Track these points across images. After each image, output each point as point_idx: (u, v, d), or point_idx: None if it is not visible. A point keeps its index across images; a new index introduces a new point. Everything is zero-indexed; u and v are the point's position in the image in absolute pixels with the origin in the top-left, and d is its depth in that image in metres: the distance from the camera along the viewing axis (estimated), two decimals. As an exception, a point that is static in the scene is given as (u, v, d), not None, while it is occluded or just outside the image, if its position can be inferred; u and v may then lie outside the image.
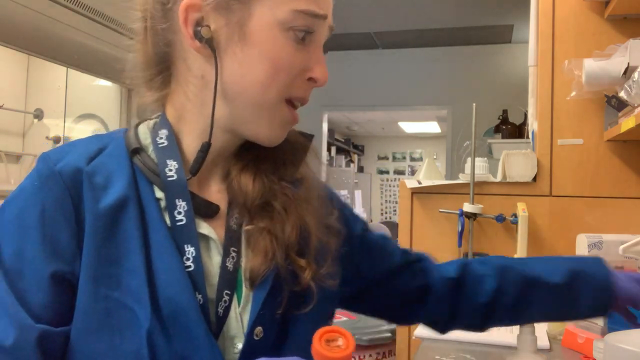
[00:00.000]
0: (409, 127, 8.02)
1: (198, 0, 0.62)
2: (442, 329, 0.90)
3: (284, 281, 0.64)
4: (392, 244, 0.88)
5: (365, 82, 5.32)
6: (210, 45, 0.63)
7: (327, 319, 0.74)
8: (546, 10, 1.85)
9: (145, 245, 0.61)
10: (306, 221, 0.68)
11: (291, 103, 0.67)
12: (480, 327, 0.89)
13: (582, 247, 1.49)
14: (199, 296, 0.61)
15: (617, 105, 1.60)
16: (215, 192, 0.69)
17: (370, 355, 2.17)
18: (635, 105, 1.41)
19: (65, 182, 0.62)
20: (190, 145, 0.68)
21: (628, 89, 1.42)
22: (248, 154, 0.70)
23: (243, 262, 0.65)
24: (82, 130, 3.35)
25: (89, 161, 0.64)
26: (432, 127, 7.77)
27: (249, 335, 0.62)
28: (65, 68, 2.98)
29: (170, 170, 0.64)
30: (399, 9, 4.31)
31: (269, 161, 0.70)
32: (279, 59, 0.63)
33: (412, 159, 9.03)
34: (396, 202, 8.73)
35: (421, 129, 8.12)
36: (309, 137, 0.75)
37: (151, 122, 0.70)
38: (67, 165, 0.63)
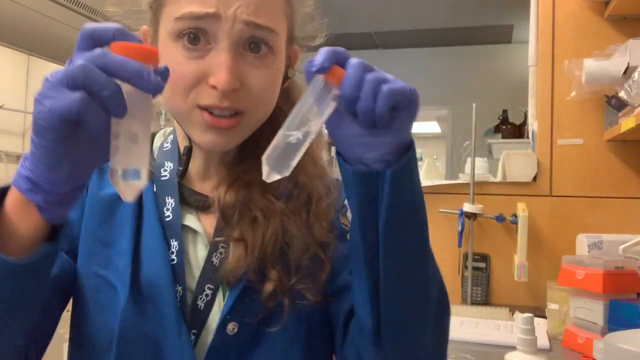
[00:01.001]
0: (409, 127, 8.01)
1: (146, 27, 0.69)
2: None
3: (256, 292, 0.64)
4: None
5: (365, 82, 5.30)
6: None
7: (307, 338, 0.68)
8: (546, 10, 1.85)
9: (137, 233, 0.66)
10: (291, 234, 0.67)
11: (207, 109, 0.63)
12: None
13: (582, 247, 1.49)
14: (179, 287, 0.64)
15: (617, 105, 1.60)
16: (213, 189, 0.71)
17: (370, 355, 2.16)
18: (635, 105, 1.41)
19: None
20: (181, 148, 0.72)
21: (628, 89, 1.42)
22: (239, 164, 0.71)
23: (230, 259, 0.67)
24: (82, 130, 3.35)
25: None
26: (432, 127, 7.77)
27: (220, 327, 0.63)
28: (65, 68, 2.98)
29: (165, 170, 0.70)
30: (399, 9, 4.31)
31: (258, 172, 0.68)
32: (173, 70, 0.58)
33: (412, 159, 9.02)
34: (396, 202, 8.69)
35: (421, 129, 8.12)
36: None
37: (169, 129, 0.76)
38: None
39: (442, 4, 4.19)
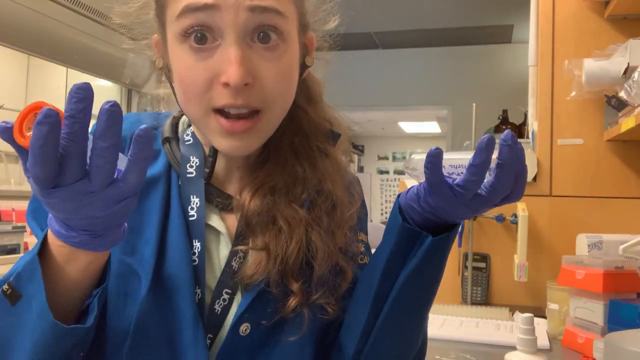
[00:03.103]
0: (409, 127, 8.01)
1: (156, 36, 0.68)
2: None
3: (273, 298, 0.64)
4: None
5: (365, 82, 5.31)
6: (166, 75, 0.68)
7: (318, 344, 0.69)
8: (546, 10, 1.85)
9: (164, 223, 0.65)
10: (315, 246, 0.65)
11: (223, 112, 0.62)
12: None
13: (582, 247, 1.49)
14: (198, 290, 0.63)
15: (617, 105, 1.60)
16: (236, 191, 0.70)
17: (370, 355, 2.16)
18: (635, 105, 1.41)
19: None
20: (206, 149, 0.71)
21: (628, 89, 1.42)
22: (262, 169, 0.70)
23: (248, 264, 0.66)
24: (82, 130, 3.35)
25: None
26: (432, 127, 7.77)
27: (233, 328, 0.62)
28: (65, 68, 2.98)
29: (192, 166, 0.68)
30: (399, 9, 4.31)
31: (281, 177, 0.68)
32: (183, 75, 0.61)
33: (412, 159, 9.02)
34: (396, 202, 8.70)
35: (421, 129, 8.11)
36: (335, 138, 0.73)
37: (186, 118, 0.74)
38: (125, 131, 0.63)
39: (442, 4, 4.19)
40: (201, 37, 0.59)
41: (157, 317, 0.61)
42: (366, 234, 0.78)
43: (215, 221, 0.67)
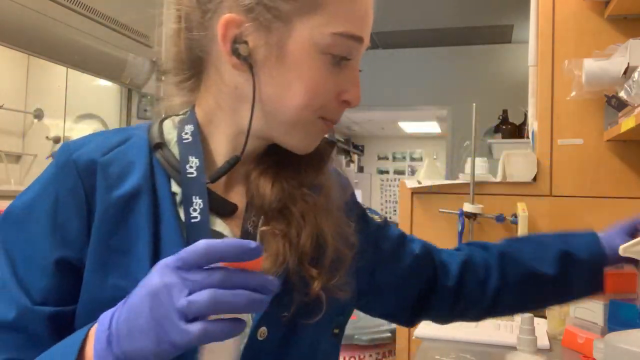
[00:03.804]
0: (409, 127, 8.01)
1: (239, 16, 0.62)
2: (442, 323, 0.94)
3: (293, 287, 0.64)
4: (405, 246, 0.86)
5: (365, 82, 5.25)
6: (247, 62, 0.63)
7: (336, 328, 0.74)
8: (546, 10, 1.85)
9: (155, 237, 0.62)
10: (323, 230, 0.67)
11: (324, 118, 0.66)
12: (478, 320, 0.93)
13: (582, 247, 1.49)
14: None
15: (617, 105, 1.60)
16: (235, 193, 0.70)
17: (370, 355, 2.17)
18: (635, 105, 1.41)
19: (79, 171, 0.63)
20: (219, 148, 0.69)
21: (628, 89, 1.42)
22: (269, 157, 0.70)
23: None
24: (82, 130, 3.34)
25: (106, 152, 0.65)
26: (432, 127, 7.77)
27: (252, 334, 0.62)
28: (65, 68, 2.98)
29: (191, 167, 0.65)
30: (399, 9, 4.31)
31: (290, 165, 0.69)
32: (315, 83, 0.63)
33: (412, 159, 9.02)
34: (396, 202, 8.73)
35: (421, 129, 8.11)
36: (330, 144, 0.74)
37: (177, 118, 0.71)
38: (83, 155, 0.64)
39: (442, 4, 4.19)
40: (341, 59, 0.64)
41: None
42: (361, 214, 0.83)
43: (218, 225, 0.66)
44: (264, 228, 0.65)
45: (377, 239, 0.83)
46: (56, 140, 3.22)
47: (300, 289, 0.64)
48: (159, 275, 0.49)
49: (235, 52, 0.62)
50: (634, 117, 1.38)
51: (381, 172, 9.13)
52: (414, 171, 8.67)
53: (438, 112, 5.84)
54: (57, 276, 0.61)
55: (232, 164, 0.66)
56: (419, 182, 1.92)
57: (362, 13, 0.64)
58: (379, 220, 0.85)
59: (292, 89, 0.63)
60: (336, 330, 0.74)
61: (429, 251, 0.88)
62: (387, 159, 9.16)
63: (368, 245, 0.79)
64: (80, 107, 3.30)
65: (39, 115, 3.20)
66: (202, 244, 0.48)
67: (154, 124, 0.71)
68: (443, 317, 0.92)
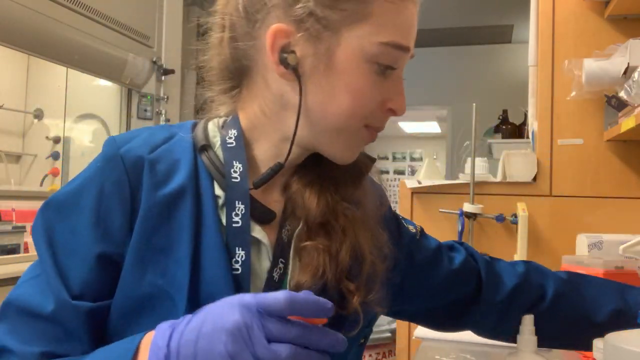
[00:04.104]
0: (409, 127, 8.02)
1: (288, 27, 0.62)
2: (489, 337, 0.95)
3: (331, 301, 0.64)
4: (441, 259, 0.84)
5: (365, 82, 5.30)
6: (295, 72, 0.63)
7: (363, 338, 0.74)
8: (546, 10, 1.85)
9: (196, 238, 0.62)
10: (361, 244, 0.67)
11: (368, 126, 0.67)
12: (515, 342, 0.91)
13: (582, 247, 1.49)
14: None
15: (617, 105, 1.60)
16: (272, 200, 0.69)
17: (370, 356, 2.17)
18: (635, 105, 1.41)
19: (125, 166, 0.63)
20: (262, 154, 0.69)
21: (628, 89, 1.42)
22: (311, 169, 0.70)
23: (289, 275, 0.66)
24: (82, 130, 3.35)
25: (153, 149, 0.66)
26: (432, 127, 7.77)
27: None
28: (65, 68, 2.98)
29: (235, 172, 0.65)
30: (399, 9, 4.31)
31: (331, 179, 0.69)
32: (362, 92, 0.63)
33: (412, 159, 9.02)
34: (396, 202, 8.68)
35: (421, 129, 8.12)
36: (371, 159, 0.75)
37: (220, 120, 0.71)
38: (130, 151, 0.64)
39: (442, 4, 4.19)
40: (386, 68, 0.64)
41: None
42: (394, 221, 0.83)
43: (257, 232, 0.66)
44: (307, 243, 0.65)
45: (412, 251, 0.82)
46: (56, 140, 3.22)
47: (336, 304, 0.63)
48: (240, 314, 0.50)
49: (283, 62, 0.63)
50: (634, 117, 1.38)
51: (381, 172, 9.12)
52: (414, 171, 8.67)
53: (438, 112, 5.85)
54: (96, 270, 0.61)
55: (276, 170, 0.66)
56: (419, 182, 1.92)
57: (408, 23, 0.64)
58: (414, 230, 0.85)
59: (339, 97, 0.63)
60: (362, 340, 0.75)
61: (473, 264, 0.87)
62: (387, 159, 9.17)
63: (401, 256, 0.78)
64: (80, 107, 3.31)
65: (39, 115, 3.20)
66: (284, 295, 0.49)
67: (198, 123, 0.71)
68: (488, 332, 0.91)
